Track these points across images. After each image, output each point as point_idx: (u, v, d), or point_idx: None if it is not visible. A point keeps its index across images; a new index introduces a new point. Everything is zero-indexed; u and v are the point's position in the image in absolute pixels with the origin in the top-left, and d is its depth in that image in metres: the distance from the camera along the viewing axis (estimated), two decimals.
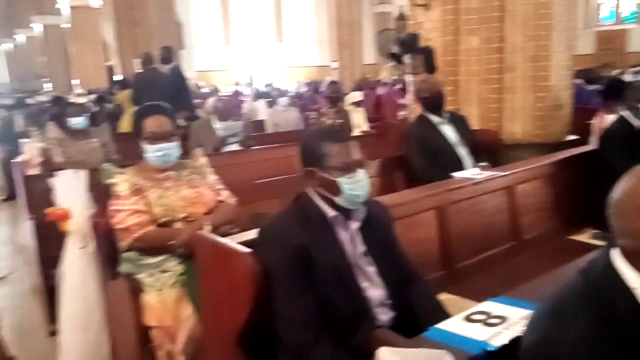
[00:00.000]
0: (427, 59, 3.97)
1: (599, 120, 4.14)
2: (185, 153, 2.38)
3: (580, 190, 3.03)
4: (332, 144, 1.58)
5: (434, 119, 3.30)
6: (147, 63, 6.39)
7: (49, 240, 3.04)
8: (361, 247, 1.62)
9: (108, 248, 2.24)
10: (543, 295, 1.04)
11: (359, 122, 5.96)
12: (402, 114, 7.71)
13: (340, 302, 1.53)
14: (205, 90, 14.47)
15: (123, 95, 7.16)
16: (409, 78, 4.51)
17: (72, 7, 12.97)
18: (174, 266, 2.11)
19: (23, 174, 3.64)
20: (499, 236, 2.64)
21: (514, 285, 1.54)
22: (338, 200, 1.59)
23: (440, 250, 2.35)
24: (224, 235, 1.87)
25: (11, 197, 6.41)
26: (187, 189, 2.23)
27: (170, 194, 2.18)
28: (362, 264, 1.61)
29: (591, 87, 6.38)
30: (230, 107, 5.00)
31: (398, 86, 11.38)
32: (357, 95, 6.40)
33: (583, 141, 3.85)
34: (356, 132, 5.46)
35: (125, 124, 6.49)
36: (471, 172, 2.78)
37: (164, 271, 2.11)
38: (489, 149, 3.47)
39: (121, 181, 2.13)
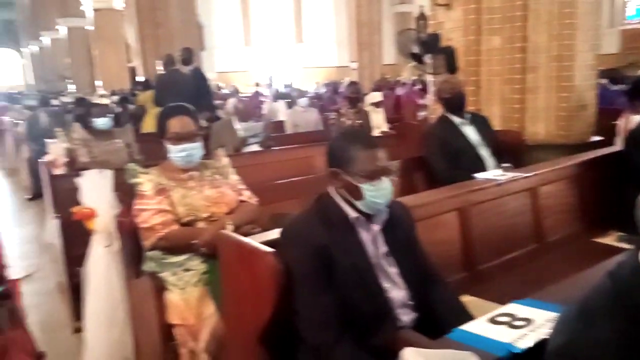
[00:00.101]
0: (449, 59, 3.95)
1: (624, 121, 4.06)
2: (207, 154, 2.40)
3: (604, 192, 2.98)
4: (360, 150, 1.57)
5: (456, 119, 3.28)
6: (169, 64, 6.46)
7: (74, 239, 3.10)
8: (383, 248, 1.62)
9: (132, 247, 2.28)
10: (568, 297, 1.03)
11: (379, 123, 5.95)
12: (422, 114, 7.68)
13: (361, 303, 1.53)
14: (225, 91, 14.60)
15: (145, 96, 7.25)
16: (429, 78, 4.49)
17: (96, 10, 13.19)
18: (197, 265, 2.14)
19: (49, 174, 3.71)
20: (521, 238, 2.61)
21: (536, 288, 1.52)
22: (358, 204, 1.59)
23: (462, 251, 2.33)
24: (245, 235, 1.89)
25: (36, 196, 6.54)
26: (210, 189, 2.26)
27: (194, 193, 2.20)
28: (384, 264, 1.61)
29: (616, 87, 6.26)
30: (250, 108, 5.05)
31: (417, 86, 11.34)
32: (377, 96, 6.39)
33: (608, 142, 3.78)
34: (376, 133, 5.45)
35: (147, 125, 6.58)
36: (493, 173, 2.76)
37: (187, 270, 2.13)
38: (511, 150, 3.43)
39: (145, 181, 2.17)
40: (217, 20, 22.21)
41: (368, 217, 1.62)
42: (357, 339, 1.50)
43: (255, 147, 4.62)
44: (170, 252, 2.15)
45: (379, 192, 1.57)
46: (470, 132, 3.26)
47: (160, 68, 7.45)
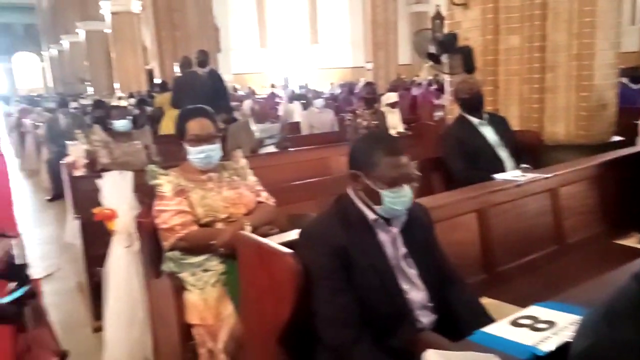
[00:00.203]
0: (466, 59, 3.92)
1: None
2: (224, 155, 2.42)
3: (626, 193, 2.93)
4: (384, 155, 1.56)
5: (473, 120, 3.25)
6: (186, 66, 6.52)
7: (94, 239, 3.15)
8: (402, 250, 1.61)
9: (152, 247, 2.30)
10: (591, 300, 1.01)
11: (395, 124, 5.93)
12: (438, 114, 7.64)
13: (380, 304, 1.53)
14: (241, 92, 14.68)
15: (163, 98, 7.31)
16: (446, 78, 4.46)
17: (114, 13, 13.37)
18: (215, 265, 2.16)
19: (70, 175, 3.77)
20: (541, 240, 2.58)
21: (556, 290, 1.49)
22: (377, 209, 1.59)
23: (480, 253, 2.31)
24: (264, 235, 1.90)
25: (56, 197, 6.65)
26: (228, 190, 2.28)
27: (212, 195, 2.22)
28: (403, 266, 1.60)
29: (637, 86, 6.16)
30: (267, 110, 5.06)
31: (434, 87, 11.27)
32: (393, 97, 6.37)
33: (629, 142, 3.72)
34: (391, 134, 5.43)
35: (165, 127, 6.64)
36: (512, 174, 2.73)
37: (206, 270, 2.15)
38: (530, 150, 3.39)
39: (165, 182, 2.19)
40: (233, 22, 22.36)
41: (387, 220, 1.61)
42: (375, 340, 1.49)
43: (271, 149, 4.63)
44: (189, 253, 2.17)
45: (399, 200, 1.56)
46: (489, 133, 3.23)
47: (177, 70, 7.52)
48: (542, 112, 3.78)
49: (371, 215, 1.60)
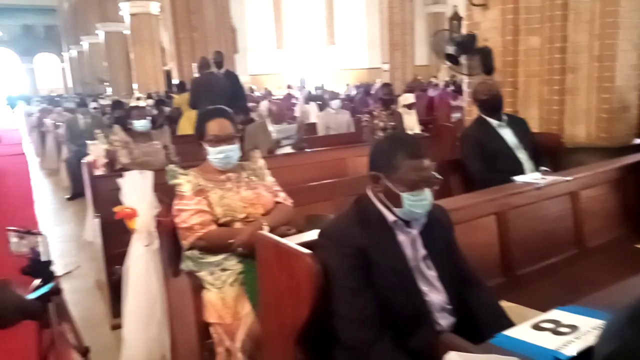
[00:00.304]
0: (485, 60, 3.89)
1: None
2: (242, 155, 2.44)
3: None
4: (406, 158, 1.54)
5: (492, 121, 3.22)
6: (205, 67, 6.56)
7: (114, 238, 3.19)
8: (422, 251, 1.61)
9: (171, 246, 2.32)
10: (614, 304, 1.00)
11: (412, 125, 5.91)
12: (455, 116, 7.59)
13: (399, 305, 1.52)
14: (257, 93, 14.75)
15: (181, 99, 7.38)
16: (465, 80, 4.44)
17: (133, 14, 13.52)
18: (234, 265, 2.17)
19: (90, 174, 3.82)
20: (561, 243, 2.55)
21: (576, 295, 1.48)
22: (396, 211, 1.58)
23: (499, 256, 2.30)
24: (282, 236, 1.91)
25: (75, 196, 6.75)
26: (247, 190, 2.29)
27: (231, 194, 2.24)
28: (422, 268, 1.59)
29: None
30: (284, 111, 5.08)
31: (451, 88, 11.20)
32: (410, 97, 6.35)
33: None
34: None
35: (183, 127, 6.70)
36: (532, 176, 2.70)
37: (224, 270, 2.17)
38: (550, 152, 3.35)
39: (185, 182, 2.22)
40: (250, 23, 22.51)
41: (406, 221, 1.61)
42: (394, 341, 1.49)
43: (288, 149, 4.64)
44: (207, 252, 2.19)
45: (419, 203, 1.55)
46: (508, 135, 3.20)
47: (195, 71, 7.58)
48: (562, 114, 3.74)
49: (390, 217, 1.59)
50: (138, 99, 10.07)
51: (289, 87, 15.23)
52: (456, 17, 18.27)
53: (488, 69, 3.89)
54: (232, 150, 2.29)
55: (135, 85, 13.99)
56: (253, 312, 2.08)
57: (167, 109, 8.59)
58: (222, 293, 2.13)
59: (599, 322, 1.16)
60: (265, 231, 2.04)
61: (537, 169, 2.97)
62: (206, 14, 11.25)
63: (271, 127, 4.67)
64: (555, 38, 3.66)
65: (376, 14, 19.55)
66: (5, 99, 28.41)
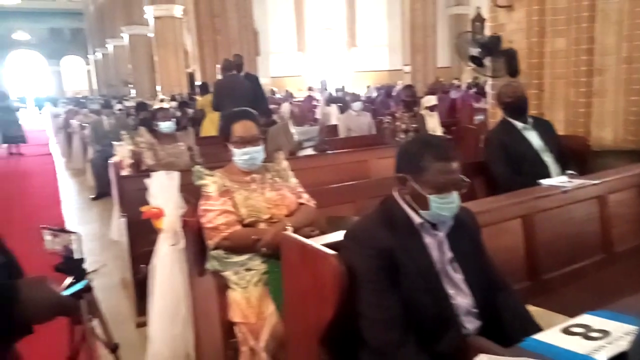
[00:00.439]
0: (510, 62, 3.85)
1: None
2: (265, 157, 2.46)
3: None
4: (434, 160, 1.53)
5: (518, 124, 3.19)
6: (228, 69, 6.63)
7: (139, 237, 3.24)
8: (449, 254, 1.60)
9: (197, 246, 2.35)
10: None
11: (434, 127, 5.87)
12: (478, 118, 7.52)
13: (425, 308, 1.51)
14: (278, 95, 14.81)
15: (205, 100, 7.45)
16: (488, 82, 4.40)
17: (157, 18, 13.71)
18: (258, 265, 2.19)
19: (117, 175, 3.89)
20: (588, 248, 2.51)
21: (604, 300, 1.45)
22: (423, 213, 1.57)
23: (525, 260, 2.27)
24: (305, 237, 1.92)
25: (100, 196, 6.87)
26: (271, 191, 2.31)
27: (256, 195, 2.26)
28: (449, 270, 1.58)
29: None
30: (305, 112, 5.09)
31: (473, 90, 11.10)
32: (432, 99, 6.31)
33: None
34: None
35: (206, 128, 6.77)
36: (558, 179, 2.67)
37: (249, 269, 2.19)
38: (576, 155, 3.30)
39: (210, 183, 2.25)
40: (272, 26, 22.64)
41: (433, 224, 1.60)
42: (419, 344, 1.48)
43: (310, 151, 4.66)
44: (232, 252, 2.21)
45: (446, 206, 1.54)
46: (533, 137, 3.16)
47: (218, 73, 7.66)
48: (589, 117, 3.69)
49: (417, 219, 1.59)
50: (162, 100, 10.18)
51: (309, 89, 15.26)
52: (479, 19, 18.12)
53: (513, 71, 3.85)
54: (257, 152, 2.31)
55: (158, 87, 14.17)
56: (277, 312, 2.09)
57: (190, 111, 8.68)
58: (247, 293, 2.15)
59: (631, 328, 1.14)
60: (289, 232, 2.05)
61: (563, 173, 2.93)
62: (229, 17, 11.36)
63: (293, 129, 4.70)
64: (582, 39, 3.61)
65: (397, 16, 19.51)
66: (33, 101, 29.11)
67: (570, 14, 3.63)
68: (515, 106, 3.22)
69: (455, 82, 15.16)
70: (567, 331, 1.18)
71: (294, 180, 2.48)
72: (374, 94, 14.57)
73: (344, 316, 1.56)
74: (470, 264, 1.61)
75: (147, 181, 2.60)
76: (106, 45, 23.33)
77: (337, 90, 14.02)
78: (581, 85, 3.66)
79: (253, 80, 6.87)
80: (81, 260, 1.53)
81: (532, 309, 1.86)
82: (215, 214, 2.19)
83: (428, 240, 1.59)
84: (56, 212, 6.57)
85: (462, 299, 1.57)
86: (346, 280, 1.53)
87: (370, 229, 1.58)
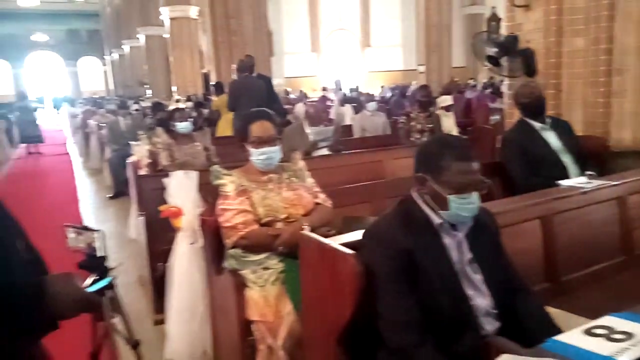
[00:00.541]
0: (527, 62, 3.82)
1: None
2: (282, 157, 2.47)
3: None
4: (454, 160, 1.53)
5: (535, 124, 3.16)
6: (244, 69, 6.66)
7: (157, 236, 3.28)
8: (468, 255, 1.59)
9: (215, 244, 2.38)
10: None
11: (449, 127, 5.84)
12: (494, 118, 7.47)
13: (444, 309, 1.51)
14: (292, 96, 14.84)
15: (220, 101, 7.48)
16: (505, 82, 4.36)
17: (172, 19, 13.82)
18: (275, 264, 2.21)
19: (135, 174, 3.93)
20: (607, 249, 2.48)
21: (624, 303, 1.43)
22: (442, 214, 1.57)
23: (544, 262, 2.25)
24: (322, 236, 1.92)
25: (117, 195, 6.95)
26: (288, 191, 2.33)
27: (273, 195, 2.28)
28: (468, 271, 1.58)
29: None
30: (320, 113, 5.10)
31: (489, 90, 11.02)
32: (448, 99, 6.27)
33: None
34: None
35: (222, 128, 6.80)
36: (577, 180, 2.64)
37: (266, 268, 2.20)
38: (595, 156, 3.27)
39: (228, 182, 2.27)
40: (286, 26, 22.70)
41: (452, 224, 1.60)
42: (439, 345, 1.48)
43: (325, 151, 4.66)
44: (250, 251, 2.23)
45: (466, 206, 1.54)
46: (551, 138, 3.13)
47: (234, 73, 7.70)
48: (608, 117, 3.64)
49: (436, 219, 1.58)
50: (177, 101, 10.29)
51: (324, 89, 15.27)
52: (495, 19, 17.96)
53: (530, 70, 3.82)
54: (274, 152, 2.33)
55: (174, 88, 14.28)
56: (294, 311, 2.10)
57: (205, 111, 8.74)
58: (264, 291, 2.16)
59: None
60: (306, 231, 2.06)
61: (582, 174, 2.90)
62: (244, 19, 11.41)
63: (308, 130, 4.71)
64: (600, 39, 3.56)
65: (412, 16, 19.44)
66: (51, 101, 29.54)
67: (589, 13, 3.59)
68: (533, 106, 3.19)
69: (471, 82, 15.07)
70: (589, 332, 1.17)
71: (310, 180, 2.49)
72: (388, 94, 14.54)
73: (362, 316, 1.56)
74: (490, 265, 1.60)
75: (165, 180, 2.63)
76: (122, 46, 23.57)
77: (351, 91, 14.02)
78: (600, 85, 3.62)
79: (266, 81, 6.89)
80: (104, 258, 1.55)
81: (551, 310, 1.85)
82: (233, 213, 2.20)
83: (447, 240, 1.59)
84: (74, 210, 6.65)
85: (481, 300, 1.56)
86: (364, 280, 1.54)
87: (389, 229, 1.58)
